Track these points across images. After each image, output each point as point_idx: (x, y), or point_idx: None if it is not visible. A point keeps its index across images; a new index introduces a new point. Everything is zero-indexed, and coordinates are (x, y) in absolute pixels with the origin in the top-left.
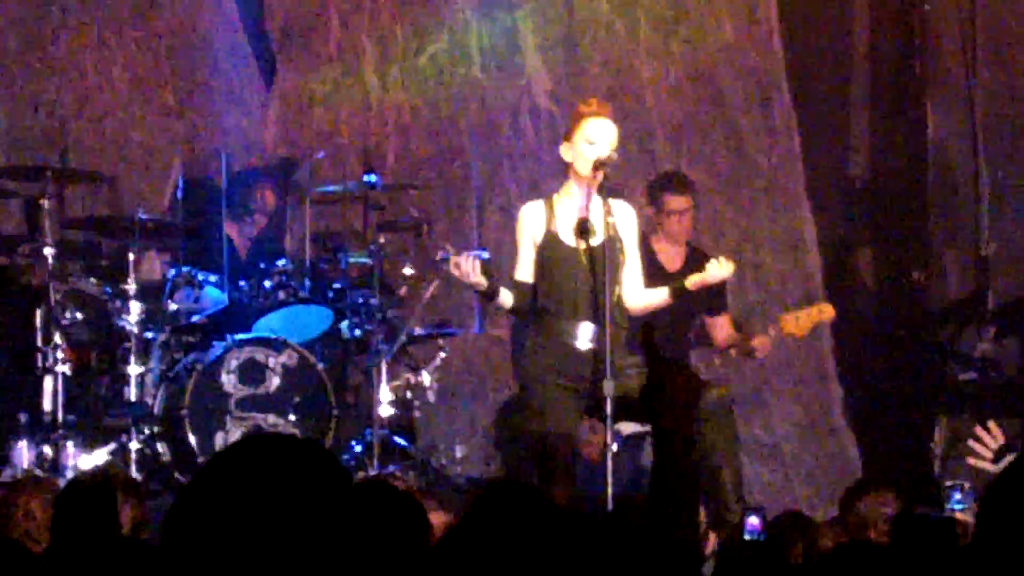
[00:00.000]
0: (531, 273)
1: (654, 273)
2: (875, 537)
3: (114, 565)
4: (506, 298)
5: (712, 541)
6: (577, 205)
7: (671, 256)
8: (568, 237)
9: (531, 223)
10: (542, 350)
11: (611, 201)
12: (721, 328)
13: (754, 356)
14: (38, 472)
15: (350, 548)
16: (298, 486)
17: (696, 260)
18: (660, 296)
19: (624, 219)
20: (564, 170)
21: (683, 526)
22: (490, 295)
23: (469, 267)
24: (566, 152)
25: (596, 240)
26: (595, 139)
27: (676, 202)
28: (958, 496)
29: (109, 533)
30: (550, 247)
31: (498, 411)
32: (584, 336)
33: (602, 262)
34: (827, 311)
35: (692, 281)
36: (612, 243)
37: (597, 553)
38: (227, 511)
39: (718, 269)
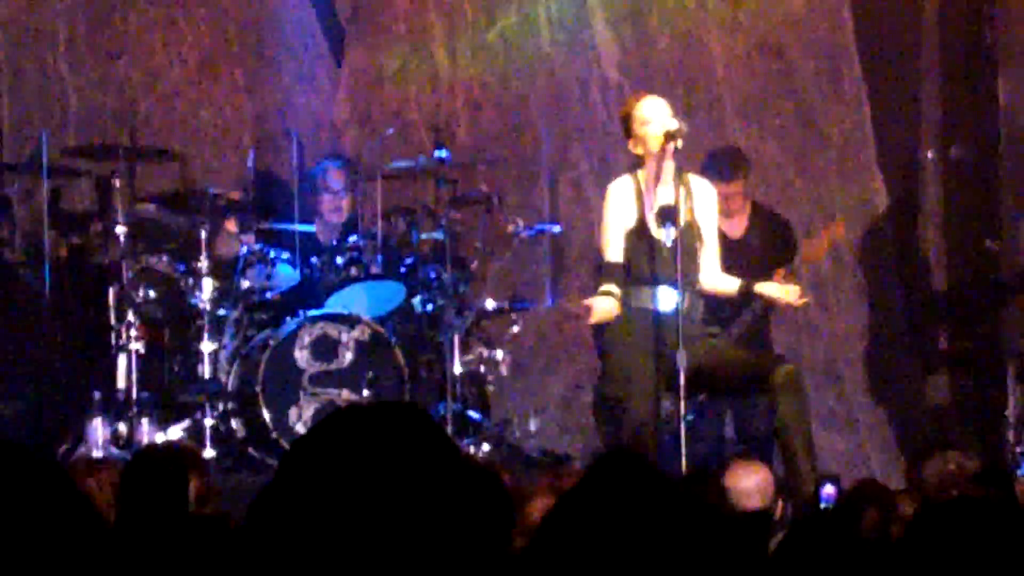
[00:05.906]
0: (622, 253)
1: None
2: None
3: (181, 539)
4: (616, 292)
5: (781, 508)
6: (660, 188)
7: (732, 225)
8: (653, 223)
9: (621, 205)
10: (622, 318)
11: (691, 180)
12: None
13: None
14: (113, 450)
15: (458, 528)
16: (406, 459)
17: (760, 219)
18: (731, 286)
19: (704, 200)
20: (640, 162)
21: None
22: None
23: (597, 308)
24: (634, 147)
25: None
26: (649, 117)
27: (721, 187)
28: None
29: (177, 506)
30: (638, 231)
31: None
32: (665, 300)
33: (682, 246)
34: (838, 227)
35: (761, 289)
36: (690, 228)
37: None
38: (330, 490)
39: (786, 295)
